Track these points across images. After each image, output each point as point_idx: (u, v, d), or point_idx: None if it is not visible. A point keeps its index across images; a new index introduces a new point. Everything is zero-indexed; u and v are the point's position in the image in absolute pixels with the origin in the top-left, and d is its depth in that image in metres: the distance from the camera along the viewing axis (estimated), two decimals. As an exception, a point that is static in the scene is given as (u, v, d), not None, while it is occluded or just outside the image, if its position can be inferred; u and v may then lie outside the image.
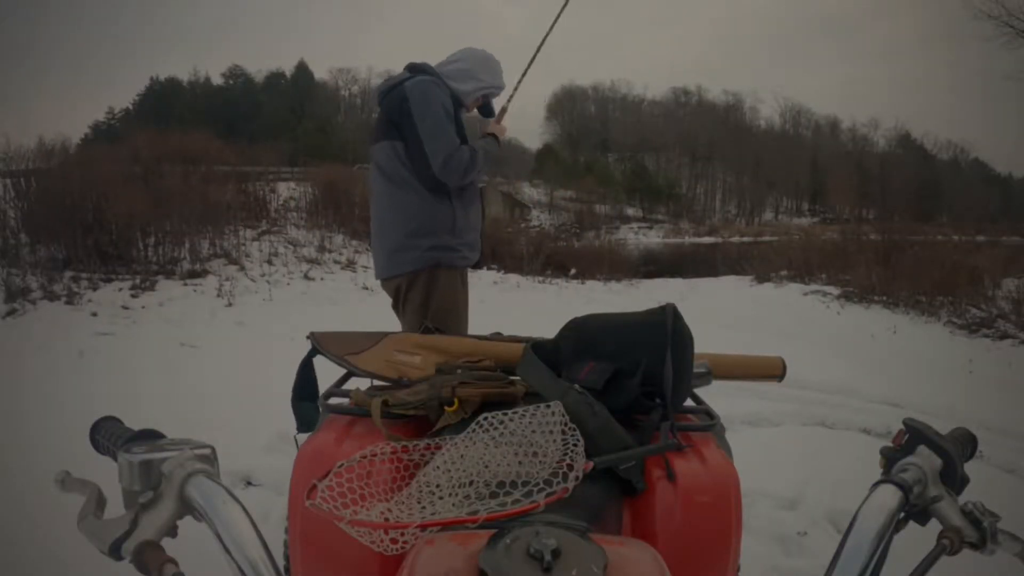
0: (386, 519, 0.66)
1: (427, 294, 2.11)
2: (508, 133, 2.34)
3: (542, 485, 0.67)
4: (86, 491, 0.56)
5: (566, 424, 0.80)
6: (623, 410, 0.99)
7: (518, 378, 1.17)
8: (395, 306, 2.22)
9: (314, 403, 1.30)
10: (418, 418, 1.04)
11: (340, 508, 0.66)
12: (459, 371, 1.14)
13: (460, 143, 2.08)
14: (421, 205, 2.09)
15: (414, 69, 2.18)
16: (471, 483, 0.72)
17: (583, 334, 1.10)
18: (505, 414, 0.82)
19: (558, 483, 0.66)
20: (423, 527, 0.60)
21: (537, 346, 1.12)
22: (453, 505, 0.69)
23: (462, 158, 2.05)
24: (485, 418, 0.81)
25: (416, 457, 0.84)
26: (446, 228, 2.12)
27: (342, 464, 0.75)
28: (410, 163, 2.07)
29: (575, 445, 0.77)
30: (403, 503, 0.72)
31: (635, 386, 1.01)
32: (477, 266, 2.32)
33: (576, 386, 0.93)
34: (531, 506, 0.62)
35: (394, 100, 2.08)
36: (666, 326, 1.03)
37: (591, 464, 0.73)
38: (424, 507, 0.70)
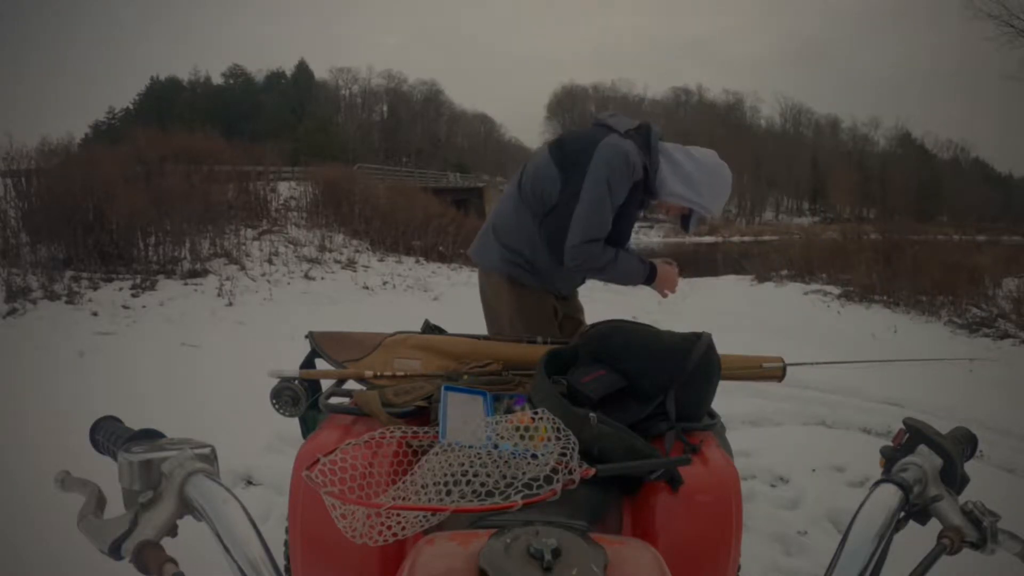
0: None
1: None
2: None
3: (530, 483, 0.67)
4: (86, 491, 0.56)
5: (560, 429, 0.80)
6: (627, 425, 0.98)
7: (523, 378, 1.18)
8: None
9: (314, 404, 1.30)
10: (419, 416, 1.04)
11: (337, 485, 0.66)
12: (465, 376, 1.15)
13: (605, 240, 1.79)
14: (532, 245, 1.86)
15: (639, 130, 1.79)
16: (467, 480, 0.72)
17: (605, 344, 1.09)
18: (506, 416, 0.82)
19: (539, 486, 0.66)
20: (394, 509, 0.61)
21: (553, 356, 1.10)
22: (439, 499, 0.69)
23: (594, 255, 1.77)
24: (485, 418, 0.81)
25: (424, 445, 0.84)
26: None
27: (349, 443, 0.75)
28: (548, 208, 1.81)
29: (571, 449, 0.77)
30: (397, 492, 0.72)
31: (641, 410, 1.01)
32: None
33: (592, 416, 0.89)
34: (507, 504, 0.62)
35: (584, 142, 1.77)
36: (691, 357, 1.02)
37: (592, 471, 0.72)
38: (407, 499, 0.70)
